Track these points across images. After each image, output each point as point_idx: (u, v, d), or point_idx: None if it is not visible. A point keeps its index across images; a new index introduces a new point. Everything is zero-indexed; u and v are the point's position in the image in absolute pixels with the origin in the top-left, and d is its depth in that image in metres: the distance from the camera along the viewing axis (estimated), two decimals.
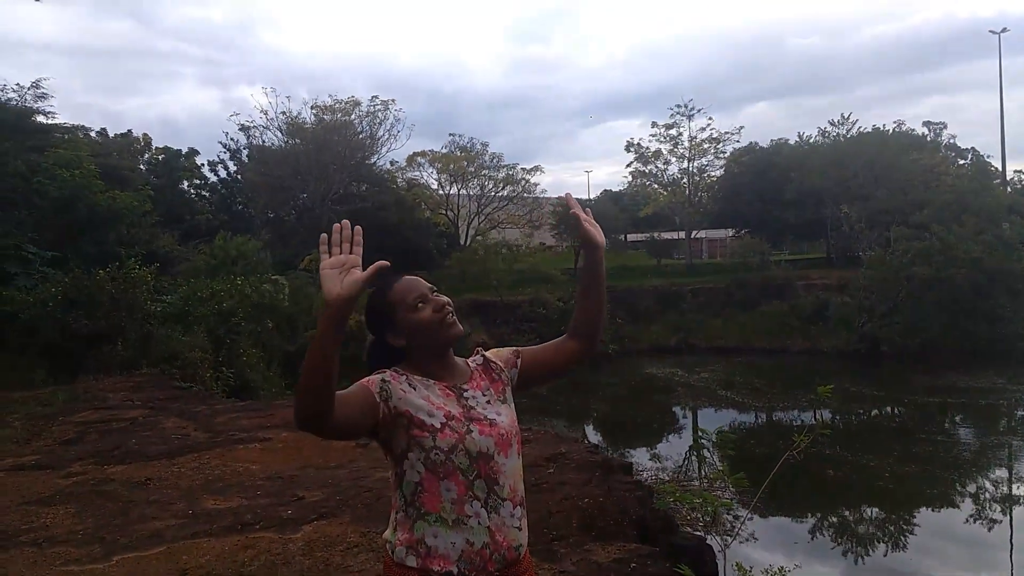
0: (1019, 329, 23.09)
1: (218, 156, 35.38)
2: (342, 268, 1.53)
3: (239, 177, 34.98)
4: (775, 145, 40.53)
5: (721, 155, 38.56)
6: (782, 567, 4.62)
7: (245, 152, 34.44)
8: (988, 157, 42.61)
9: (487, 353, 1.98)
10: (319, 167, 30.65)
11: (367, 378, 1.72)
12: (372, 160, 34.49)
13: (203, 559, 4.32)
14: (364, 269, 1.54)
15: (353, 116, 33.04)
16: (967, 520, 10.70)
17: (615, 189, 53.77)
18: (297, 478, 6.04)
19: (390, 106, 33.52)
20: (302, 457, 6.70)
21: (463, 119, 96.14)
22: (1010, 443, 15.26)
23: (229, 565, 4.23)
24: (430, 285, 1.85)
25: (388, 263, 1.55)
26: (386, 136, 33.91)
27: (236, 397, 12.11)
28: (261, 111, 32.71)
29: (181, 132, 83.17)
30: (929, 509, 11.51)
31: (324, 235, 1.57)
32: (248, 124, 33.06)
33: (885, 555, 9.60)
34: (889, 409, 19.40)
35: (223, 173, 35.74)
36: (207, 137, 63.87)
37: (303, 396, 1.52)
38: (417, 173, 37.92)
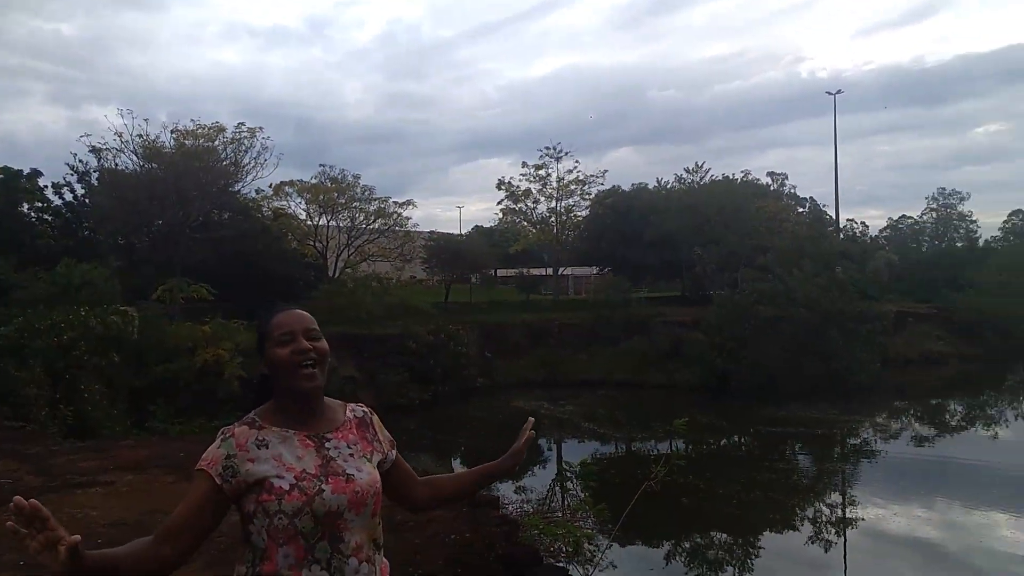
0: (850, 365, 25.31)
1: (64, 178, 32.66)
2: (47, 547, 1.40)
3: (87, 201, 32.56)
4: (636, 189, 42.66)
5: (587, 196, 40.15)
6: None
7: (95, 175, 32.13)
8: (824, 206, 46.90)
9: (376, 419, 1.91)
10: (178, 192, 29.09)
11: (208, 456, 1.67)
12: (236, 188, 33.17)
13: None
14: None
15: (217, 142, 31.67)
16: (806, 542, 11.56)
17: (486, 225, 54.58)
18: (143, 524, 5.66)
19: (257, 133, 32.46)
20: (149, 501, 6.29)
21: (334, 150, 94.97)
22: (843, 469, 16.65)
23: None
24: (312, 328, 1.77)
25: (80, 538, 1.42)
26: (252, 164, 32.62)
27: (76, 437, 11.20)
28: (115, 133, 30.72)
29: (24, 152, 77.15)
30: (772, 532, 12.35)
31: (10, 523, 1.39)
32: (100, 146, 30.89)
33: None
34: (736, 439, 20.68)
35: (69, 196, 33.08)
36: (53, 158, 58.70)
37: None
38: (284, 203, 36.80)
